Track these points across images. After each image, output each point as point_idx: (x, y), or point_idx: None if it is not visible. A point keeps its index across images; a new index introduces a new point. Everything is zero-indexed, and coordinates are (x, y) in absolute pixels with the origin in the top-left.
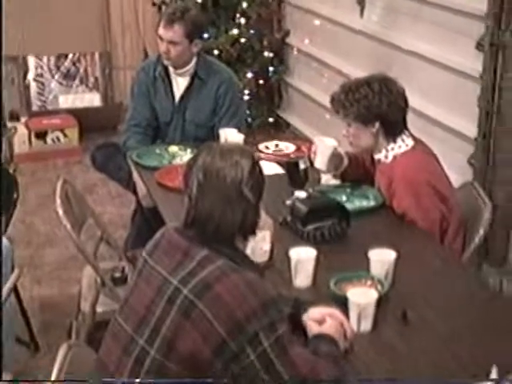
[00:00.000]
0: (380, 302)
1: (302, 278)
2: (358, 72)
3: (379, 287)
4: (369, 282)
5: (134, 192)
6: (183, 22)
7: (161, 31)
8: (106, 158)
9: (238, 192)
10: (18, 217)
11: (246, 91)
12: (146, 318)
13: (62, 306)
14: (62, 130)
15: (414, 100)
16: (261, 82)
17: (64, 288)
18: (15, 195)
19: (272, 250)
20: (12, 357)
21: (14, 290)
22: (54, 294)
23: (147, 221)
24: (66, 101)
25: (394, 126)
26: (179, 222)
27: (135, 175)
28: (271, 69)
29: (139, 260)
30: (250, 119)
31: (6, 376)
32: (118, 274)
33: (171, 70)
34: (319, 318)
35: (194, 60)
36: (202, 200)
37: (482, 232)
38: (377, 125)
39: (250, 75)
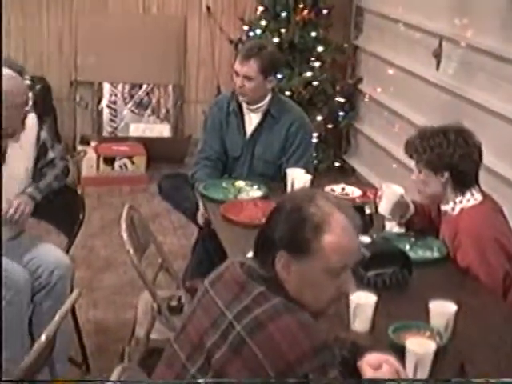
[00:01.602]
0: (438, 354)
1: (361, 323)
2: (428, 124)
3: (438, 339)
4: (427, 333)
5: (197, 223)
6: (259, 58)
7: (237, 66)
8: (172, 188)
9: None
10: (81, 239)
11: (315, 134)
12: (199, 348)
13: (116, 331)
14: (130, 158)
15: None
16: (330, 126)
17: (119, 313)
18: (81, 216)
19: None
20: (64, 376)
21: (72, 310)
22: (108, 318)
23: (208, 253)
24: (137, 129)
25: (464, 179)
26: (241, 255)
27: (201, 207)
28: (341, 114)
29: (200, 288)
30: (316, 162)
31: None
32: (174, 303)
33: (244, 105)
34: (375, 364)
35: (268, 97)
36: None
37: None
38: (446, 175)
39: (319, 118)
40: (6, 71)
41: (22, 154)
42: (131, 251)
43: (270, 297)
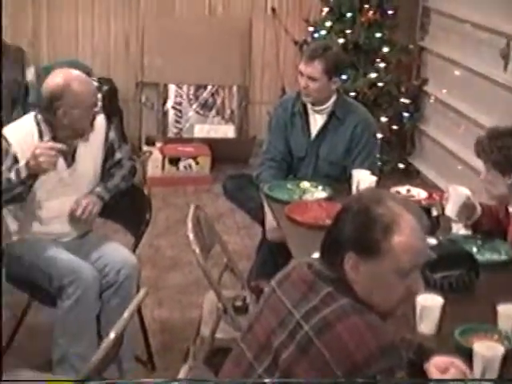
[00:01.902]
0: (506, 357)
1: (427, 325)
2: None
3: (506, 342)
4: (495, 336)
5: (262, 224)
6: (324, 59)
7: (301, 66)
8: (237, 188)
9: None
10: (147, 238)
11: (379, 135)
12: (267, 347)
13: (181, 330)
14: (194, 158)
15: None
16: (394, 127)
17: (184, 312)
18: (148, 216)
19: None
20: (130, 373)
21: (137, 309)
22: (174, 317)
23: (272, 253)
24: (202, 130)
25: None
26: (306, 256)
27: (266, 208)
28: (406, 115)
29: (267, 288)
30: (380, 164)
31: None
32: (239, 303)
33: (309, 106)
34: (442, 367)
35: (333, 99)
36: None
37: None
38: None
39: (384, 120)
40: (75, 72)
41: (91, 154)
42: (197, 251)
43: (338, 297)
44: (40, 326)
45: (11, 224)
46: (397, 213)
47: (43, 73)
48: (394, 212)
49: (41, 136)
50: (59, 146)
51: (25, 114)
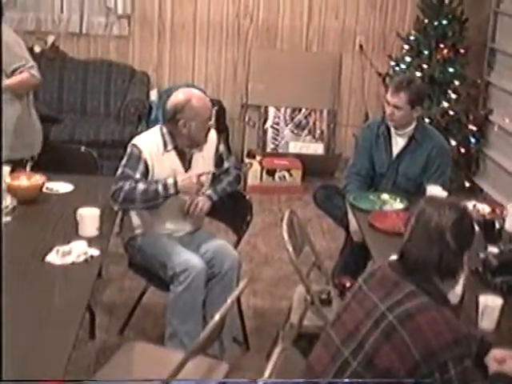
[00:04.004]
0: None
1: (488, 322)
2: None
3: None
4: None
5: (345, 229)
6: (408, 91)
7: (388, 96)
8: (325, 197)
9: (439, 235)
10: (245, 237)
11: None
12: (354, 334)
13: (272, 317)
14: (288, 170)
15: None
16: (462, 150)
17: (275, 301)
18: (249, 218)
19: (464, 294)
20: (229, 351)
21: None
22: (266, 305)
23: (353, 254)
24: (295, 147)
25: None
26: (385, 259)
27: (350, 215)
28: (473, 140)
29: (355, 284)
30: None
31: (224, 366)
32: (324, 296)
33: (392, 130)
34: (500, 358)
35: (413, 124)
36: (410, 239)
37: None
38: None
39: (453, 143)
40: (195, 91)
41: (204, 162)
42: (290, 249)
43: (420, 295)
44: (154, 307)
45: (134, 220)
46: None
47: (164, 94)
48: None
49: (165, 145)
50: (203, 178)
51: (148, 128)
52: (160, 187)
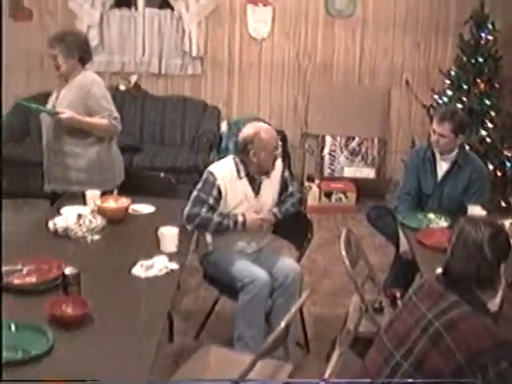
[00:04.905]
0: None
1: None
2: None
3: None
4: None
5: (395, 245)
6: (452, 121)
7: (434, 125)
8: (377, 216)
9: (477, 250)
10: (306, 252)
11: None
12: (404, 340)
13: (330, 323)
14: (343, 193)
15: None
16: (498, 173)
17: (332, 310)
18: (309, 235)
19: (502, 303)
20: (292, 355)
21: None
22: (324, 313)
23: (403, 268)
24: (349, 171)
25: None
26: (432, 272)
27: (400, 233)
28: (508, 164)
29: (406, 295)
30: None
31: (288, 367)
32: (376, 305)
33: (437, 155)
34: None
35: (456, 150)
36: (452, 254)
37: None
38: None
39: (491, 167)
40: (263, 125)
41: (271, 187)
42: (347, 263)
43: (462, 304)
44: (225, 314)
45: (208, 238)
46: None
47: (233, 126)
48: None
49: (238, 172)
50: (267, 218)
51: (219, 156)
52: (231, 224)
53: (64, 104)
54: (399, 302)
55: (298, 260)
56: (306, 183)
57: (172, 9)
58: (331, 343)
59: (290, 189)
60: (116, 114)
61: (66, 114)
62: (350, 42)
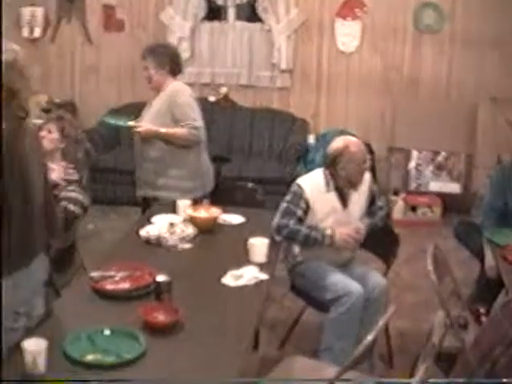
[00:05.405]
0: None
1: None
2: None
3: None
4: None
5: (481, 261)
6: None
7: None
8: (464, 232)
9: None
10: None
11: None
12: (488, 356)
13: (414, 338)
14: (429, 207)
15: None
16: None
17: (417, 324)
18: (395, 249)
19: None
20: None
21: None
22: (409, 327)
23: (488, 284)
24: (435, 186)
25: None
26: None
27: (486, 249)
28: None
29: (491, 312)
30: None
31: (372, 380)
32: (461, 321)
33: None
34: None
35: None
36: None
37: None
38: None
39: None
40: (352, 138)
41: (359, 200)
42: (434, 278)
43: None
44: (309, 325)
45: (295, 248)
46: None
47: (321, 138)
48: None
49: (327, 185)
50: (358, 236)
51: (306, 168)
52: (319, 237)
53: (152, 113)
54: (483, 319)
55: (385, 273)
56: (392, 197)
57: (262, 22)
58: (415, 358)
59: (379, 203)
60: (198, 124)
61: (142, 127)
62: (438, 56)
